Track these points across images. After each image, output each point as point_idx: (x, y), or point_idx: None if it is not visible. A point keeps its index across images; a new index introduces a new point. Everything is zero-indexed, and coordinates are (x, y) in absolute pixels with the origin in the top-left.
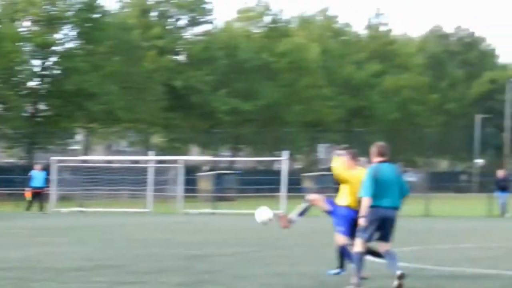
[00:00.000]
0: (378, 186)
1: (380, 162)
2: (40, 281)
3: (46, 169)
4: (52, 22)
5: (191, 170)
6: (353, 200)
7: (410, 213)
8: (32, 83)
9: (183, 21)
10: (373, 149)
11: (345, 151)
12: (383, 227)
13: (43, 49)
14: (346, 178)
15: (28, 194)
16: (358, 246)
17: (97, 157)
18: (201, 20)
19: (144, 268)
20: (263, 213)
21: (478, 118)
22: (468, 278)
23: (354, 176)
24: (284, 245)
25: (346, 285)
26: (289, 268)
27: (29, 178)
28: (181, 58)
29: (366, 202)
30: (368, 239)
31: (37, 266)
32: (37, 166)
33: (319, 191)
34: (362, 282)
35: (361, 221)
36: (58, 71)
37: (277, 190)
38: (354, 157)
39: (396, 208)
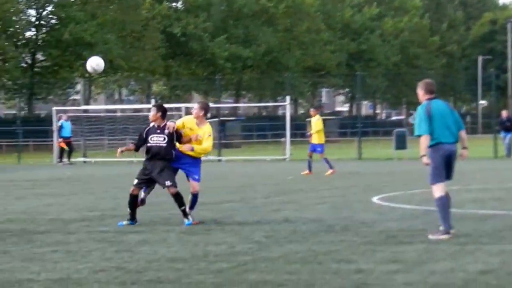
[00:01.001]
0: (435, 123)
1: (430, 99)
2: (45, 233)
3: (46, 119)
4: None
5: None
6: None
7: (416, 155)
8: (28, 33)
9: None
10: (421, 87)
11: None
12: (448, 164)
13: None
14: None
15: (62, 144)
16: (438, 191)
17: (98, 107)
18: None
19: (150, 217)
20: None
21: (480, 59)
22: (475, 219)
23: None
24: (290, 190)
25: (346, 229)
26: (296, 214)
27: (60, 128)
28: (178, 5)
29: (424, 140)
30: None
31: (41, 217)
32: (64, 116)
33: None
34: (450, 227)
35: (424, 160)
36: (54, 21)
37: (281, 135)
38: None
39: (456, 142)
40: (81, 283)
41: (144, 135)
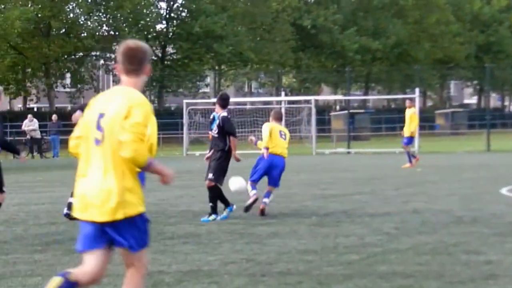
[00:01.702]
0: None
1: None
2: (176, 224)
3: (176, 112)
4: None
5: (323, 110)
6: None
7: None
8: (159, 26)
9: None
10: None
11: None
12: None
13: None
14: None
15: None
16: None
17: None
18: None
19: (280, 209)
20: (236, 182)
21: None
22: None
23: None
24: (419, 182)
25: (475, 221)
26: (425, 205)
27: (212, 121)
28: None
29: None
30: None
31: (172, 209)
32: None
33: (452, 127)
34: None
35: None
36: (185, 14)
37: None
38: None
39: None
40: (212, 275)
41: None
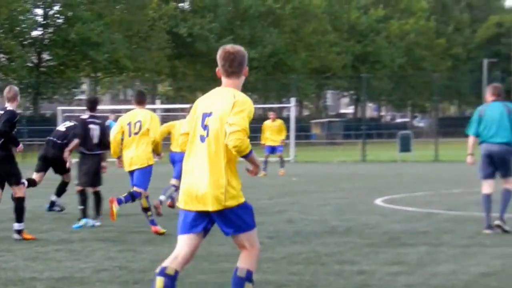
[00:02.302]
0: (484, 124)
1: (493, 101)
2: (48, 231)
3: (51, 119)
4: None
5: None
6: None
7: (420, 158)
8: (35, 33)
9: None
10: (487, 90)
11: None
12: (493, 162)
13: None
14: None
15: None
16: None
17: (104, 107)
18: None
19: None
20: None
21: (485, 62)
22: (478, 222)
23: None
24: (294, 192)
25: (349, 231)
26: (299, 215)
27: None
28: (185, 5)
29: (470, 140)
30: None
31: (45, 216)
32: (112, 116)
33: (328, 137)
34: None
35: (468, 160)
36: (61, 20)
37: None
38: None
39: (504, 143)
40: (84, 282)
41: None
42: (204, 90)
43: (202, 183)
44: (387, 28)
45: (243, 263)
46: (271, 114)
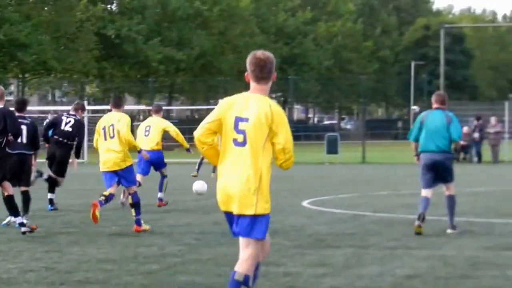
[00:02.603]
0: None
1: (436, 109)
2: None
3: None
4: None
5: None
6: None
7: (347, 160)
8: None
9: None
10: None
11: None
12: (432, 170)
13: None
14: None
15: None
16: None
17: (31, 108)
18: None
19: (81, 218)
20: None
21: (413, 65)
22: (405, 224)
23: None
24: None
25: (276, 233)
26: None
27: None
28: (113, 7)
29: (411, 145)
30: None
31: None
32: (51, 117)
33: None
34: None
35: (416, 160)
36: None
37: None
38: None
39: (439, 152)
40: (11, 283)
41: None
42: (132, 92)
43: (236, 186)
44: (314, 31)
45: (241, 268)
46: None
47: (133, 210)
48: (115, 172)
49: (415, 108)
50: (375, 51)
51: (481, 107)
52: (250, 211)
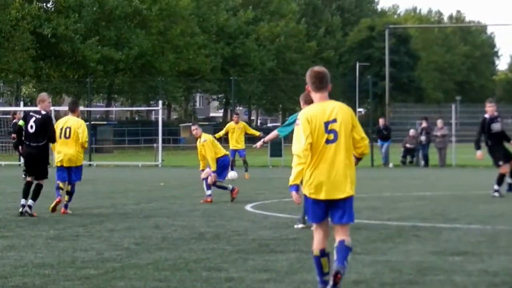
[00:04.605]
0: None
1: None
2: None
3: None
4: None
5: None
6: None
7: (291, 163)
8: None
9: None
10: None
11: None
12: None
13: None
14: None
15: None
16: None
17: None
18: None
19: (17, 222)
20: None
21: (358, 66)
22: (351, 229)
23: None
24: (162, 197)
25: (218, 237)
26: (166, 221)
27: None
28: (49, 5)
29: None
30: None
31: None
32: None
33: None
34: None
35: None
36: None
37: (154, 141)
38: None
39: None
40: None
41: None
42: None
43: (332, 176)
44: (256, 31)
45: (348, 238)
46: (234, 117)
47: (67, 197)
48: (68, 168)
49: (360, 110)
50: (319, 52)
51: (428, 109)
52: (346, 194)
